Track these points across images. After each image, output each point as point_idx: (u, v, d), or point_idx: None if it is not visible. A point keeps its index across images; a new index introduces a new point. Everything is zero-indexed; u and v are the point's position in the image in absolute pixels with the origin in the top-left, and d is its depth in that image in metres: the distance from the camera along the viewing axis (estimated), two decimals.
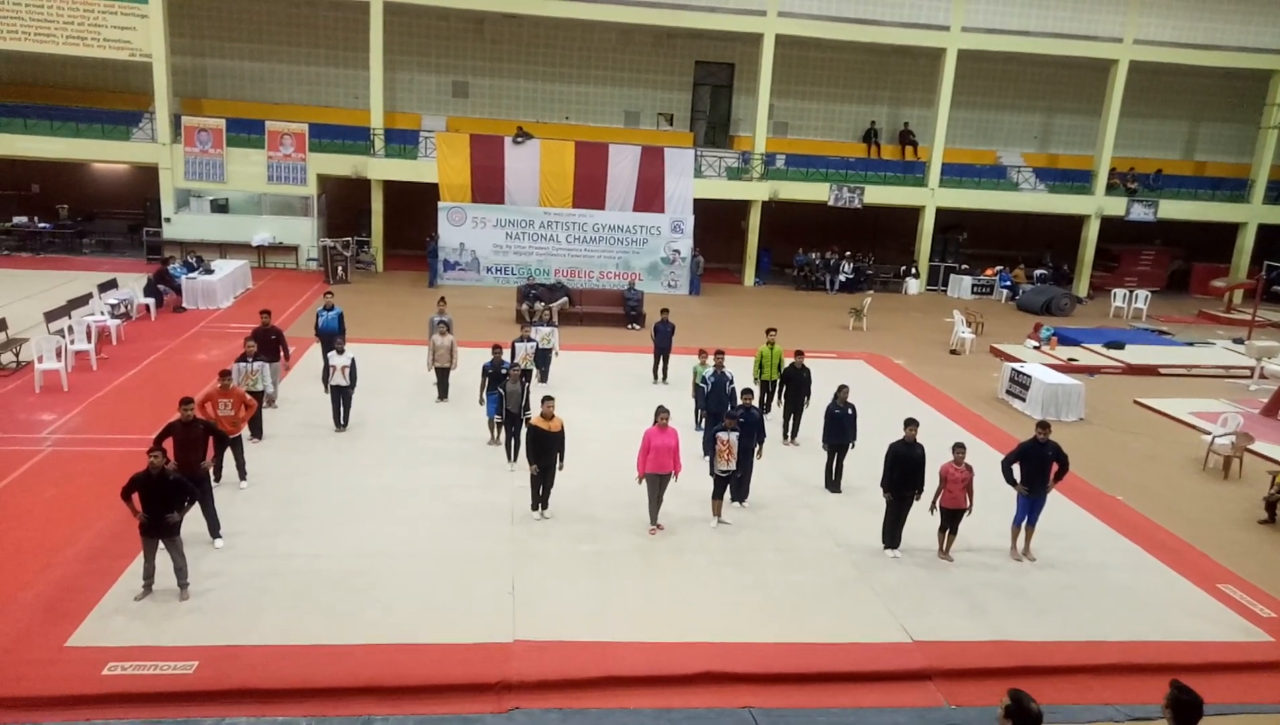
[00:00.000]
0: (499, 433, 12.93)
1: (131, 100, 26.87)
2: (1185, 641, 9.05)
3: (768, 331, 14.97)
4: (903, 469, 10.23)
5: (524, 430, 11.66)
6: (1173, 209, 30.21)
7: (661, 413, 10.51)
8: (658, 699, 7.70)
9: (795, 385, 13.76)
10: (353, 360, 13.13)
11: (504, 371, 12.68)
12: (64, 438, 12.50)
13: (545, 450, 10.54)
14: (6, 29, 24.24)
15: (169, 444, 9.10)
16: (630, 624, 8.65)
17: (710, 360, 13.63)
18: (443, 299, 15.96)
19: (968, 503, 10.21)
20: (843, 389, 12.22)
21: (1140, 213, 29.96)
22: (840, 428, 12.10)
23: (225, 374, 11.08)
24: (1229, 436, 14.25)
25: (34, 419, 13.08)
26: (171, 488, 8.38)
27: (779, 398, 14.12)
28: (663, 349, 16.72)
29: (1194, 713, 5.04)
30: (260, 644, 7.95)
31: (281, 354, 13.84)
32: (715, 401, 12.75)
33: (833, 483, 12.26)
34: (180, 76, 26.93)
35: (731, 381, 13.07)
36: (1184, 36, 28.79)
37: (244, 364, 12.23)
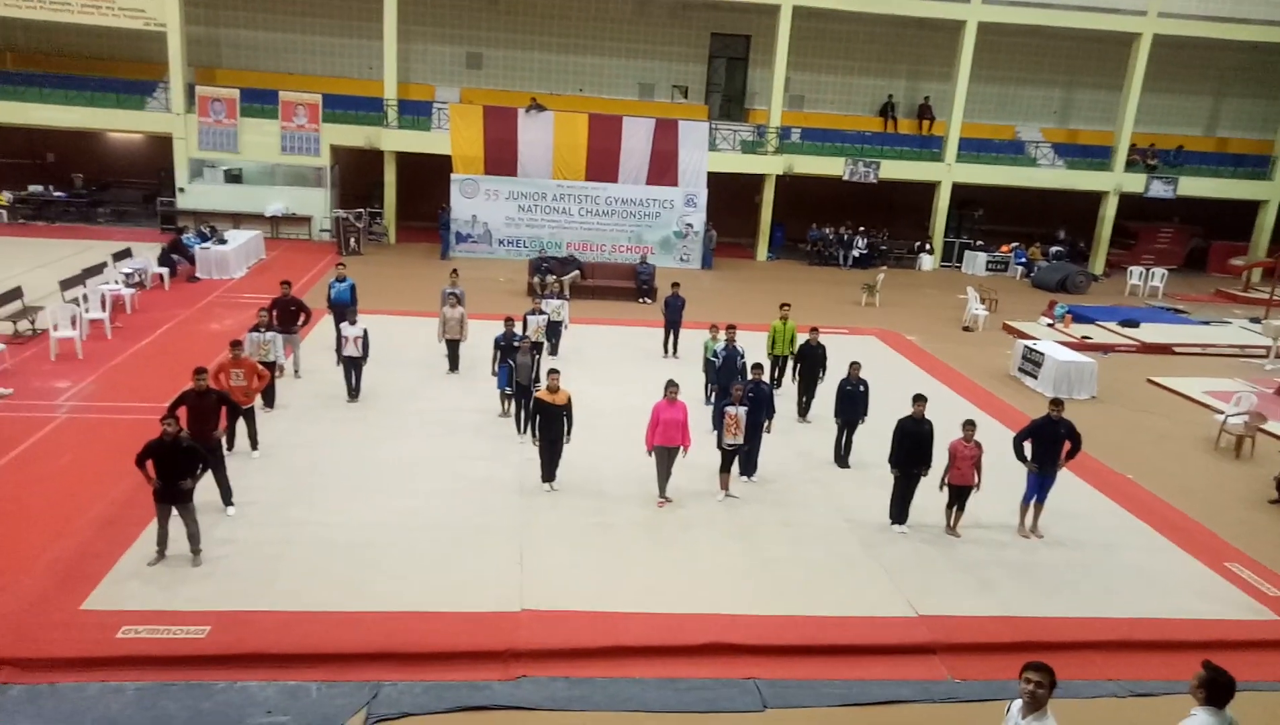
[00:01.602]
0: (509, 405, 12.99)
1: (146, 70, 26.88)
2: (1191, 619, 9.06)
3: (781, 306, 14.92)
4: (910, 445, 10.22)
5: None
6: (1193, 186, 29.81)
7: (671, 387, 10.52)
8: (663, 669, 7.77)
9: (810, 362, 13.71)
10: (365, 331, 13.19)
11: (515, 344, 12.71)
12: (79, 405, 12.64)
13: (550, 423, 10.59)
14: None
15: (182, 413, 9.19)
16: (637, 595, 8.72)
17: (721, 335, 13.61)
18: (455, 271, 15.99)
19: (976, 480, 10.19)
20: (855, 365, 12.19)
21: (1159, 190, 29.58)
22: (852, 403, 12.08)
23: (236, 344, 11.13)
24: (1242, 416, 14.17)
25: (49, 386, 13.22)
26: (185, 455, 8.49)
27: (794, 374, 14.09)
28: (673, 323, 16.71)
29: (1228, 693, 4.93)
30: (272, 610, 8.06)
31: (302, 319, 13.92)
32: (726, 376, 12.73)
33: (842, 458, 12.28)
34: (195, 46, 26.88)
35: (742, 356, 13.07)
36: (1209, 9, 28.25)
37: (256, 334, 12.31)
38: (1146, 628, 8.85)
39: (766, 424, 11.44)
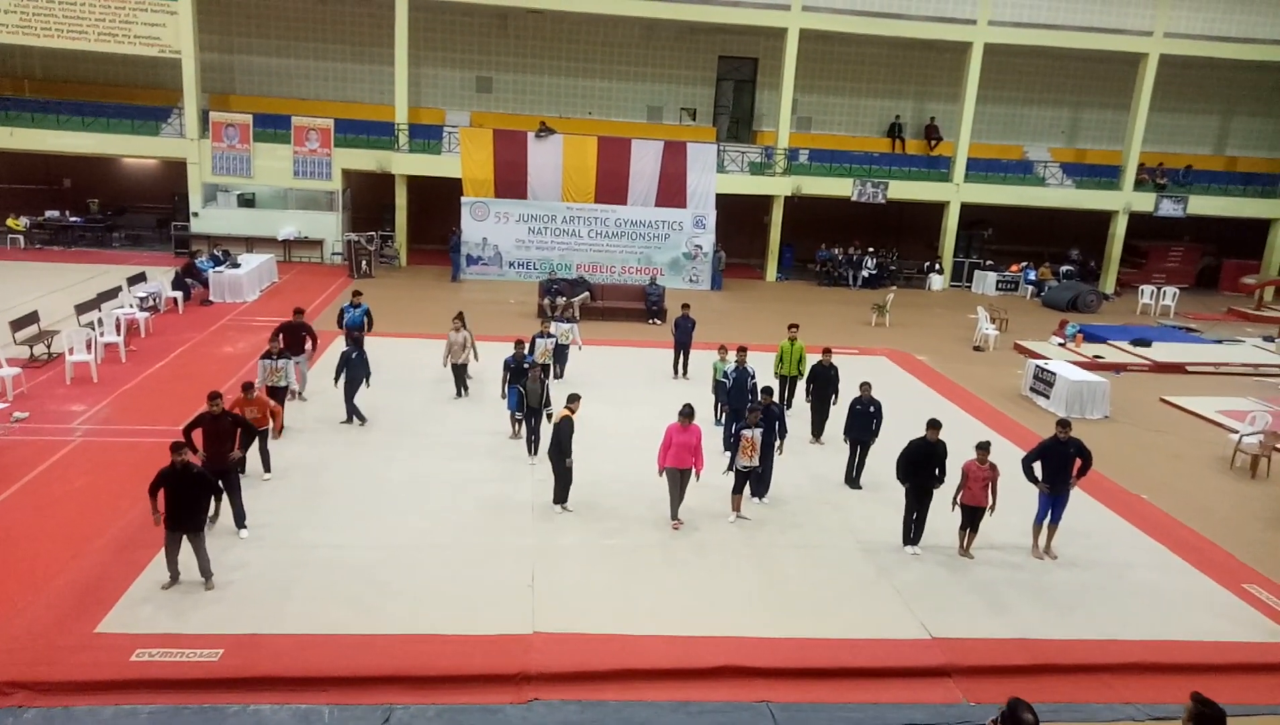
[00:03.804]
0: (520, 427, 13.02)
1: (161, 96, 27.23)
2: (1208, 641, 8.96)
3: (790, 327, 14.94)
4: (922, 458, 10.16)
5: (543, 425, 11.85)
6: (1203, 205, 29.78)
7: (685, 411, 10.49)
8: (676, 692, 7.73)
9: (822, 383, 13.68)
10: (355, 353, 13.28)
11: (525, 366, 12.76)
12: (94, 428, 12.72)
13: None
14: (40, 26, 24.67)
15: (198, 435, 9.23)
16: (649, 617, 8.68)
17: (731, 356, 13.61)
18: (460, 315, 15.04)
19: (989, 501, 10.15)
20: (865, 385, 12.17)
21: (1169, 208, 29.56)
22: (863, 423, 12.06)
23: (249, 387, 10.86)
24: (1257, 435, 14.07)
25: (65, 410, 13.31)
26: (196, 483, 8.51)
27: (806, 395, 14.03)
28: (683, 344, 16.72)
29: None
30: (284, 633, 8.07)
31: (309, 345, 13.97)
32: (737, 398, 12.72)
33: (853, 479, 12.23)
34: (208, 72, 27.24)
35: (753, 377, 13.05)
36: (1216, 29, 28.34)
37: (269, 361, 12.36)
38: (1164, 650, 8.76)
39: (779, 445, 11.42)
